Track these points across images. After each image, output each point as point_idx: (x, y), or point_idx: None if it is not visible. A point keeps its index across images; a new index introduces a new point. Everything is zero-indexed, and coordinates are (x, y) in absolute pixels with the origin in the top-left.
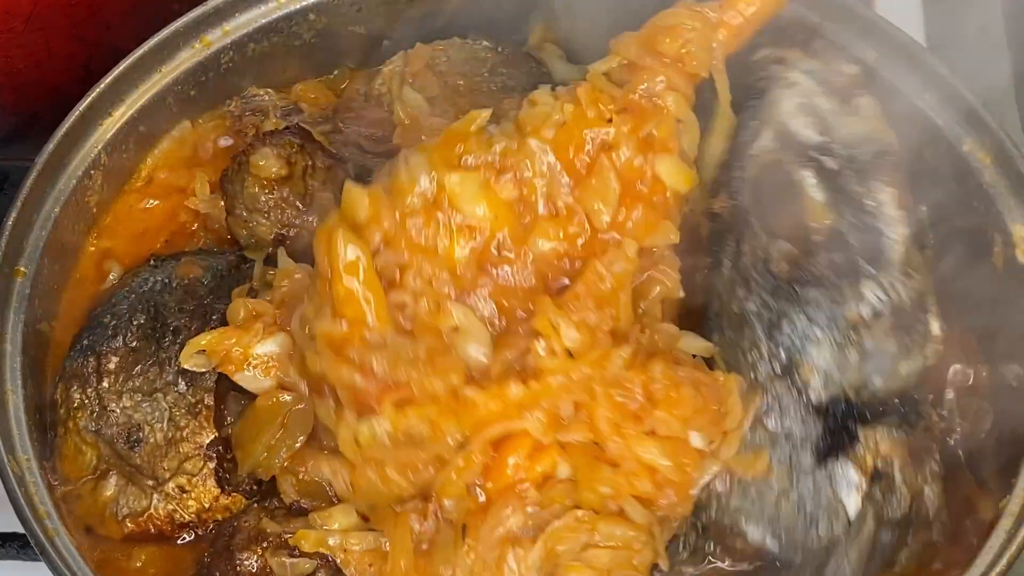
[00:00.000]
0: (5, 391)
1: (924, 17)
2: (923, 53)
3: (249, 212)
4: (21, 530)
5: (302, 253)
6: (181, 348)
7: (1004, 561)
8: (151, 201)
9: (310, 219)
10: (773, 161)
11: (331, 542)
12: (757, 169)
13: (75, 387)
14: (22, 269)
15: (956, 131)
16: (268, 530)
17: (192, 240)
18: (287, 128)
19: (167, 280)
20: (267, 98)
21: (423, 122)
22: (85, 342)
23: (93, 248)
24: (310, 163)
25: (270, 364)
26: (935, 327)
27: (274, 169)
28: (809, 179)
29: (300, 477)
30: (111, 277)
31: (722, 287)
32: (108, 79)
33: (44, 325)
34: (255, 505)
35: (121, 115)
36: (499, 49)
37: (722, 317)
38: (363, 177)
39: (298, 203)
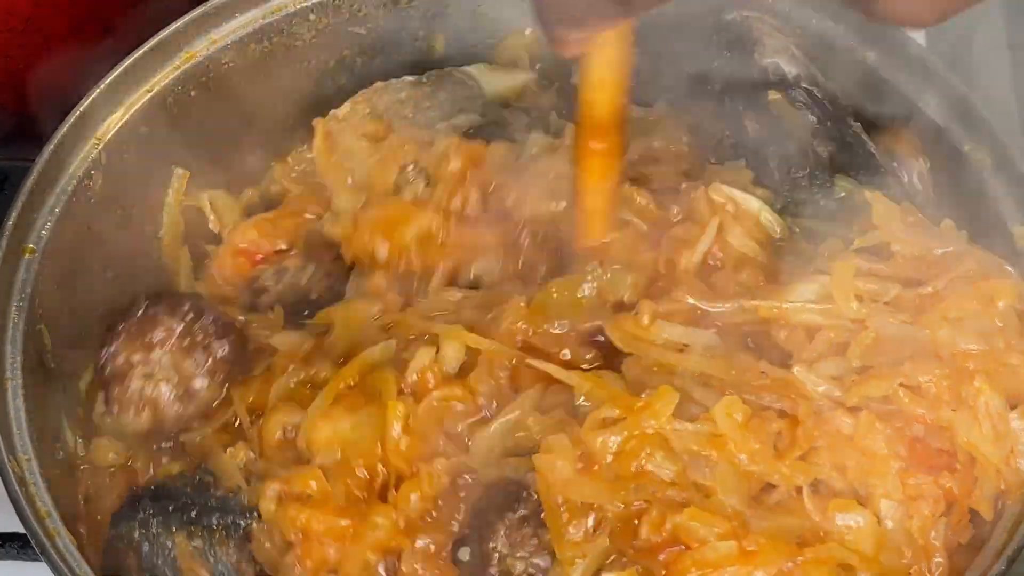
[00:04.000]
0: (5, 391)
1: None
2: (923, 53)
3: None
4: (21, 530)
5: None
6: None
7: (1004, 561)
8: None
9: None
10: (775, 86)
11: None
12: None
13: None
14: (29, 246)
15: (956, 131)
16: None
17: None
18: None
19: None
20: None
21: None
22: None
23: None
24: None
25: None
26: None
27: None
28: (803, 107)
29: None
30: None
31: (779, 177)
32: (108, 79)
33: (43, 325)
34: None
35: (121, 115)
36: (423, 80)
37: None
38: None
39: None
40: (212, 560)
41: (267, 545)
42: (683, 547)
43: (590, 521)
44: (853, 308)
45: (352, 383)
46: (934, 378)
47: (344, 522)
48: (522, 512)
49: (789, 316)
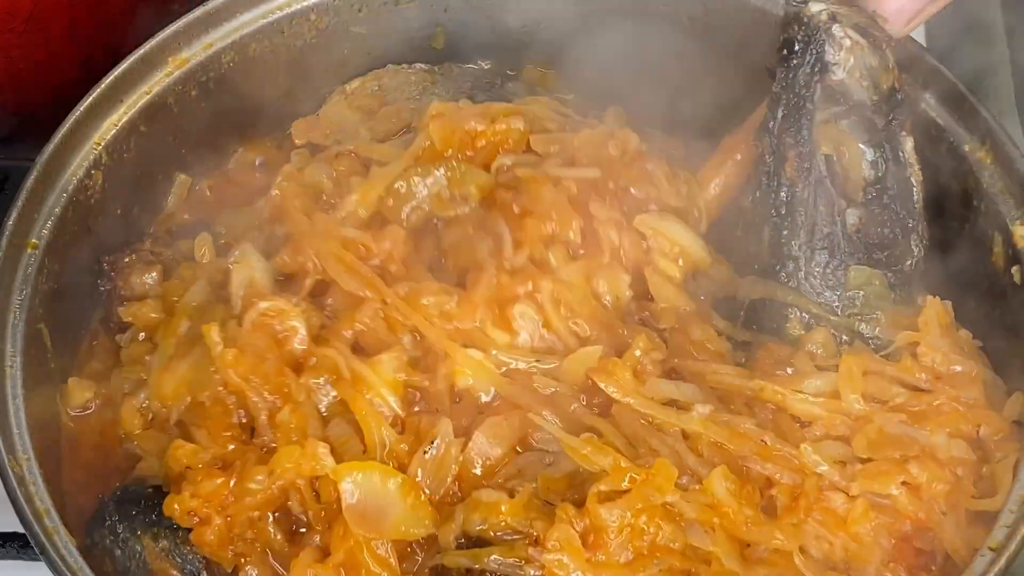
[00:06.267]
0: (5, 391)
1: None
2: (923, 53)
3: None
4: (21, 530)
5: None
6: None
7: (1004, 561)
8: None
9: None
10: (832, 116)
11: None
12: (819, 130)
13: None
14: (32, 241)
15: (956, 131)
16: None
17: None
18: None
19: None
20: None
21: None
22: None
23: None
24: None
25: None
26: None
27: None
28: (863, 139)
29: None
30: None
31: (798, 242)
32: (108, 79)
33: (43, 326)
34: None
35: (121, 115)
36: (436, 70)
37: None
38: None
39: None
40: (180, 560)
41: (209, 537)
42: None
43: None
44: (857, 407)
45: (183, 332)
46: (936, 479)
47: (219, 481)
48: None
49: (790, 405)
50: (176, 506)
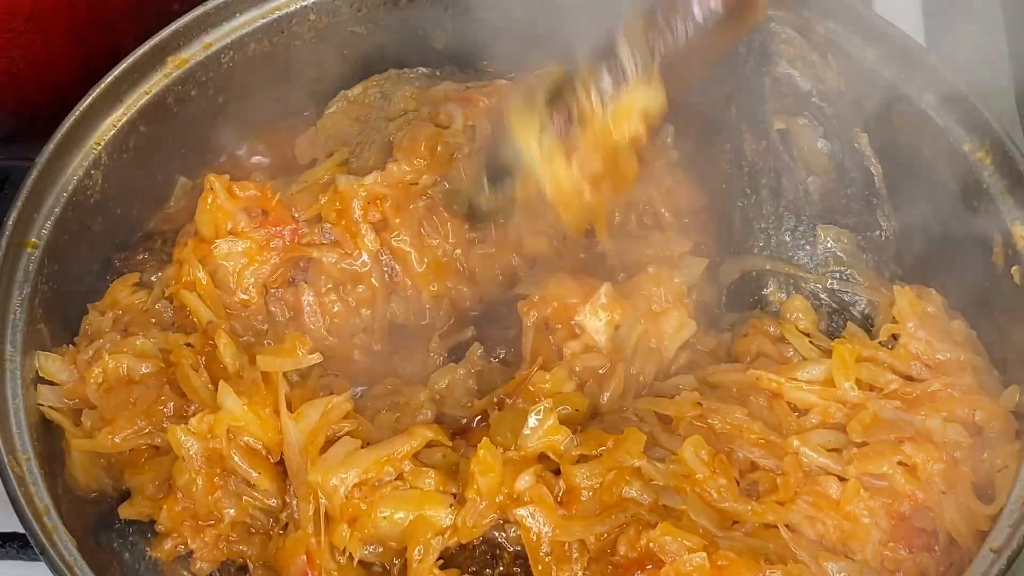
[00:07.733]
0: (5, 391)
1: (924, 17)
2: (923, 53)
3: None
4: (21, 530)
5: None
6: None
7: (1004, 561)
8: None
9: None
10: (783, 107)
11: None
12: (772, 115)
13: None
14: (32, 240)
15: (956, 131)
16: None
17: None
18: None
19: None
20: None
21: None
22: None
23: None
24: None
25: None
26: None
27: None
28: (814, 125)
29: None
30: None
31: (766, 212)
32: (108, 79)
33: (43, 326)
34: None
35: (121, 115)
36: (438, 73)
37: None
38: None
39: None
40: (191, 561)
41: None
42: (658, 565)
43: (575, 563)
44: (852, 394)
45: None
46: (932, 459)
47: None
48: (500, 570)
49: (786, 392)
50: (165, 547)
